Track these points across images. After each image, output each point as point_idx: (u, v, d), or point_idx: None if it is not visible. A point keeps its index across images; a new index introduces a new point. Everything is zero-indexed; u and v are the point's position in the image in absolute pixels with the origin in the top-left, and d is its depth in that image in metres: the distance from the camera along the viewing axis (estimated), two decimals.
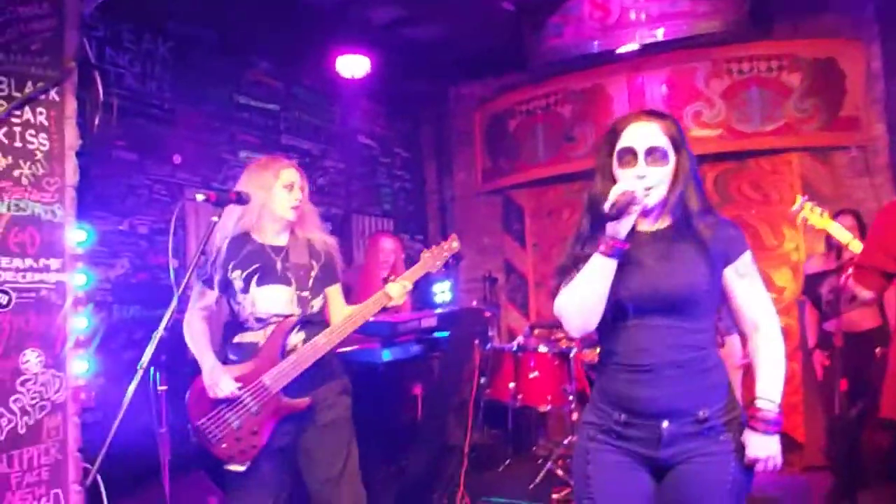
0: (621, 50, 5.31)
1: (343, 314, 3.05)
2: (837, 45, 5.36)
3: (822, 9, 5.44)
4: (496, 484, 5.03)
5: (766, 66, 5.43)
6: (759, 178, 5.64)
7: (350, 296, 3.65)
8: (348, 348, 3.36)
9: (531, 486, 4.82)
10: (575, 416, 4.83)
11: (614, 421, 1.98)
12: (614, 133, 1.98)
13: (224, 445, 2.77)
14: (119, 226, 4.11)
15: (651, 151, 1.91)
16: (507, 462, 5.46)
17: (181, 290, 2.36)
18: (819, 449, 4.85)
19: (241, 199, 2.64)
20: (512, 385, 4.97)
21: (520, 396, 4.96)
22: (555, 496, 4.65)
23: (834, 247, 4.21)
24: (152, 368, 2.32)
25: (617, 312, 1.95)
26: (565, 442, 4.99)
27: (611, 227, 1.87)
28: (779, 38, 5.52)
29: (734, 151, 5.55)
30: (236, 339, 2.91)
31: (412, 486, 4.51)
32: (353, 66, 5.41)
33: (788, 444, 5.04)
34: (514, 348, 5.08)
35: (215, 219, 2.54)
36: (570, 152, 6.10)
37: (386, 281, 3.28)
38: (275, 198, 2.89)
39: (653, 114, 1.99)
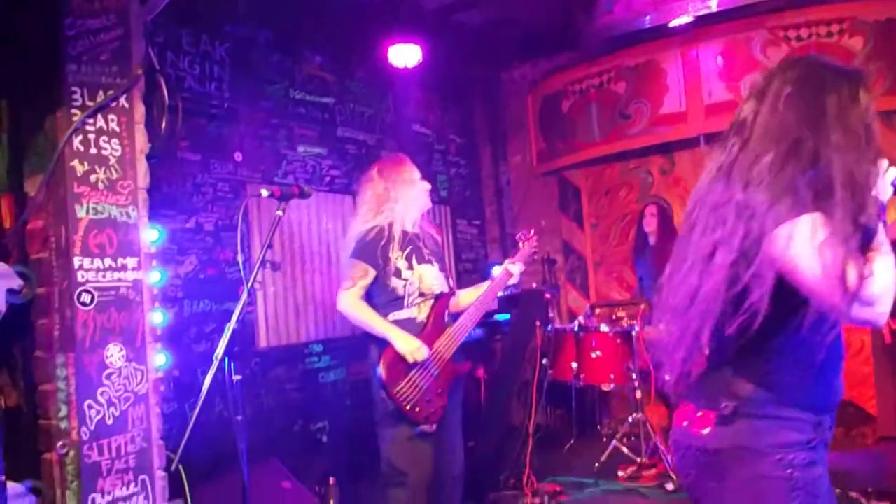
0: (674, 23, 5.23)
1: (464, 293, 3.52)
2: None
3: None
4: (562, 463, 5.10)
5: (825, 31, 5.26)
6: None
7: None
8: None
9: (597, 464, 4.87)
10: (639, 394, 4.84)
11: (827, 427, 1.57)
12: (866, 93, 1.57)
13: (418, 409, 3.07)
14: (186, 224, 4.26)
15: None
16: (572, 442, 5.51)
17: (251, 282, 2.49)
18: (893, 420, 4.73)
19: (303, 194, 2.74)
20: (574, 365, 5.00)
21: (582, 376, 5.00)
22: (621, 473, 4.68)
23: None
24: (226, 359, 2.42)
25: None
26: (630, 419, 5.00)
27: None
28: (835, 2, 5.35)
29: None
30: (391, 317, 3.19)
31: (479, 468, 4.59)
32: (405, 55, 5.47)
33: (860, 416, 5.00)
34: (576, 328, 5.11)
35: (279, 213, 2.64)
36: (625, 130, 6.04)
37: None
38: (421, 191, 3.35)
39: None
